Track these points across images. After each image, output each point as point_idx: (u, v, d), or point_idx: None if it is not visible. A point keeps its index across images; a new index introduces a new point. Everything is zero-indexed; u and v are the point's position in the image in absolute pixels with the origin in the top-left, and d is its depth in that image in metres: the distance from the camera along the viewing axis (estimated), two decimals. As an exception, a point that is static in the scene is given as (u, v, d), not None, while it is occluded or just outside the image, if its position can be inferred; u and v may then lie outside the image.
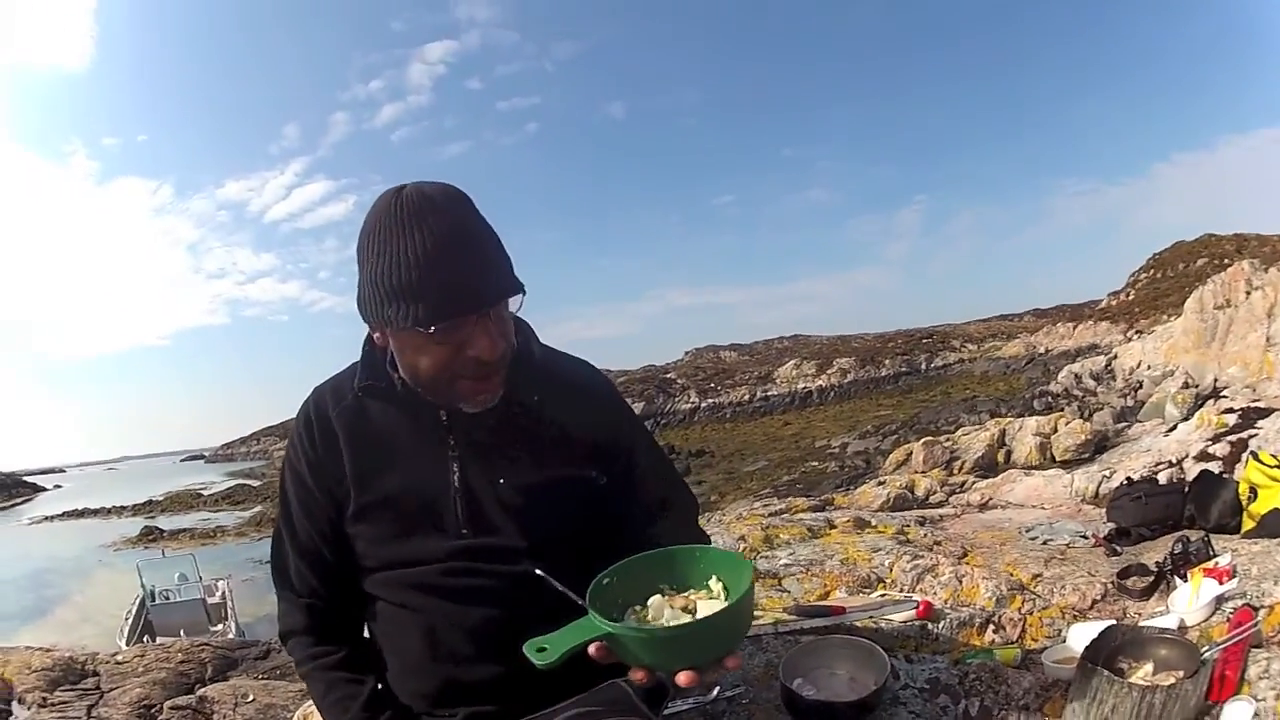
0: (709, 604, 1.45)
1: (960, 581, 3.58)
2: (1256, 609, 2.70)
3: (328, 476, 1.77)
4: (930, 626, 3.14)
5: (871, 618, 3.12)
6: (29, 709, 4.27)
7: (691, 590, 1.52)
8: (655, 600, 1.49)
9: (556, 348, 1.94)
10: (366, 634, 1.90)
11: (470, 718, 1.73)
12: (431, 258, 1.50)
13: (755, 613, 2.91)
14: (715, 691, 2.43)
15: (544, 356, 1.87)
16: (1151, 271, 74.25)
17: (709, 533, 5.22)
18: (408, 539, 1.74)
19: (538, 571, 1.53)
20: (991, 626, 3.20)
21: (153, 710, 4.22)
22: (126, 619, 21.70)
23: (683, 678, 1.37)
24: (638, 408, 65.42)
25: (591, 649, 1.39)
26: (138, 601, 22.68)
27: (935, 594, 3.56)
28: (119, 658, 5.13)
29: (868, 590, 3.69)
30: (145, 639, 18.12)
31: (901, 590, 3.68)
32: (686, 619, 1.42)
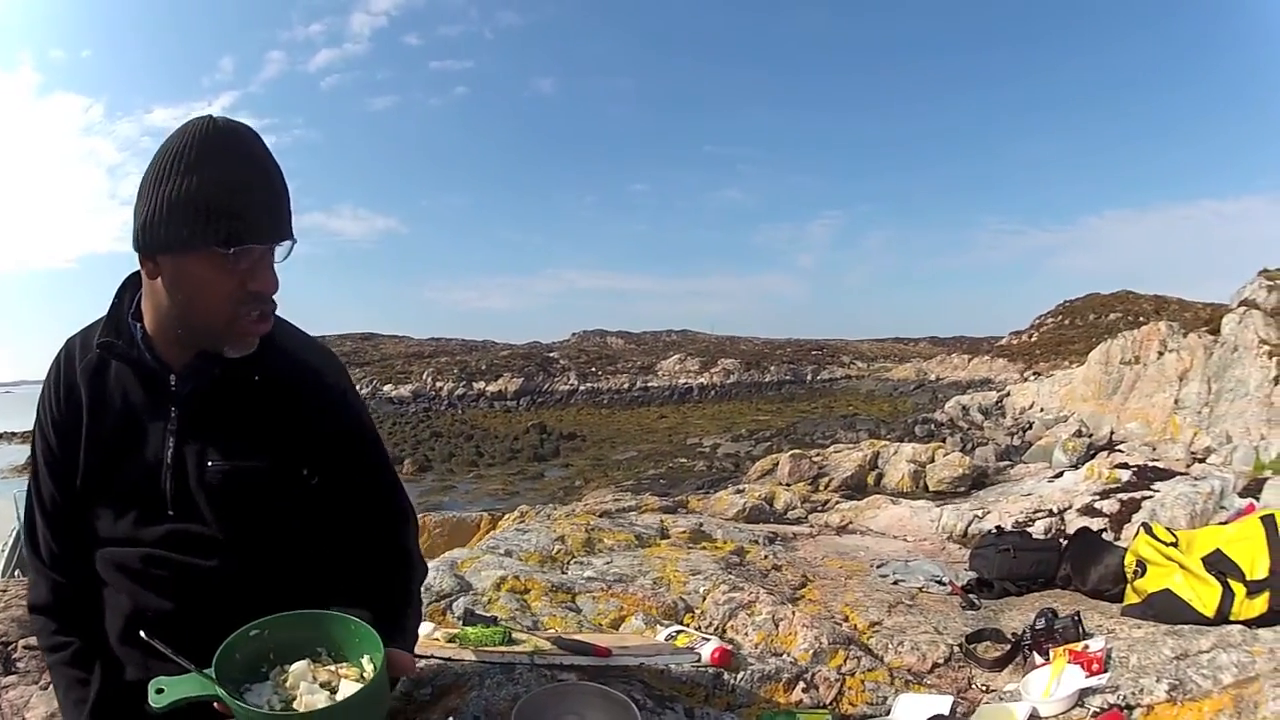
0: (352, 686, 1.41)
1: (777, 625, 3.17)
2: (1129, 709, 2.35)
3: (69, 437, 1.70)
4: (727, 676, 2.69)
5: (642, 665, 2.56)
6: (-120, 647, 4.15)
7: (346, 664, 1.48)
8: (298, 667, 1.45)
9: (295, 324, 1.86)
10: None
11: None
12: (241, 182, 1.52)
13: (519, 636, 2.71)
14: None
15: (275, 332, 1.74)
16: (1060, 317, 74.77)
17: (533, 527, 4.97)
18: (124, 514, 1.67)
19: (142, 634, 1.44)
20: (803, 684, 2.75)
21: (8, 648, 3.93)
22: (1, 551, 20.78)
23: None
24: (516, 384, 65.63)
25: (216, 704, 1.38)
26: (13, 534, 21.66)
27: (747, 635, 3.16)
28: (-20, 592, 5.17)
29: (669, 621, 3.24)
30: (16, 573, 17.51)
31: (711, 624, 3.26)
32: (322, 695, 1.40)
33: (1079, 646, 2.70)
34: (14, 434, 68.21)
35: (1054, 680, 2.50)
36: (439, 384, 66.30)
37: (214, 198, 1.48)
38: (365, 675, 1.44)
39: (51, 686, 1.82)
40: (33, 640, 3.94)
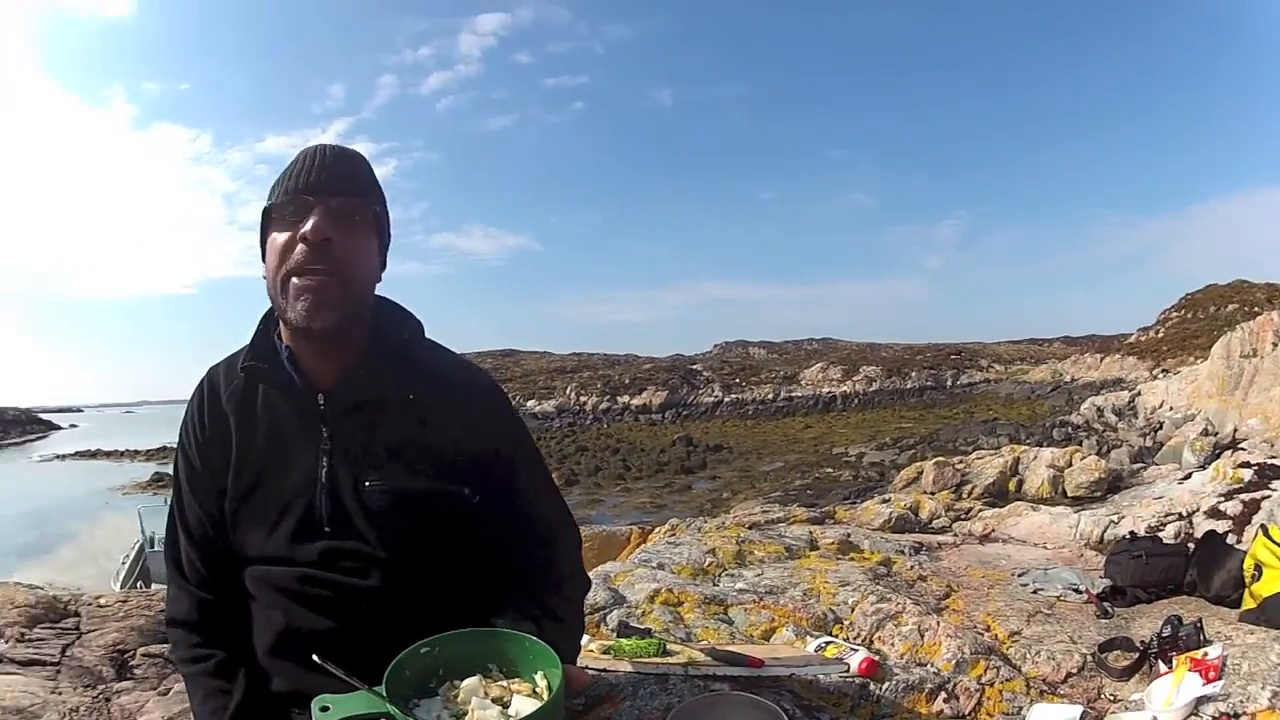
0: (524, 701, 1.41)
1: (922, 635, 3.28)
2: (1236, 717, 2.39)
3: (215, 459, 1.77)
4: (873, 686, 2.81)
5: (792, 675, 2.76)
6: (6, 643, 4.33)
7: (517, 680, 1.48)
8: (470, 683, 1.45)
9: (445, 345, 1.88)
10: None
11: None
12: (304, 159, 1.65)
13: (673, 647, 2.79)
14: None
15: (427, 352, 1.82)
16: (1182, 311, 71.52)
17: (684, 540, 5.11)
18: (276, 532, 1.71)
19: (315, 659, 1.46)
20: (944, 694, 2.86)
21: (125, 655, 4.26)
22: (124, 563, 21.55)
23: None
24: (660, 396, 65.29)
25: None
26: (136, 547, 22.41)
27: (893, 645, 3.29)
28: (102, 600, 5.21)
29: (818, 632, 3.37)
30: (139, 585, 18.14)
31: (859, 635, 3.40)
32: (494, 711, 1.39)
33: (1199, 654, 2.72)
34: (137, 452, 70.41)
35: (1175, 688, 2.54)
36: (583, 398, 66.64)
37: (282, 175, 1.66)
38: (538, 690, 1.44)
39: (187, 695, 1.82)
40: (152, 648, 4.29)
